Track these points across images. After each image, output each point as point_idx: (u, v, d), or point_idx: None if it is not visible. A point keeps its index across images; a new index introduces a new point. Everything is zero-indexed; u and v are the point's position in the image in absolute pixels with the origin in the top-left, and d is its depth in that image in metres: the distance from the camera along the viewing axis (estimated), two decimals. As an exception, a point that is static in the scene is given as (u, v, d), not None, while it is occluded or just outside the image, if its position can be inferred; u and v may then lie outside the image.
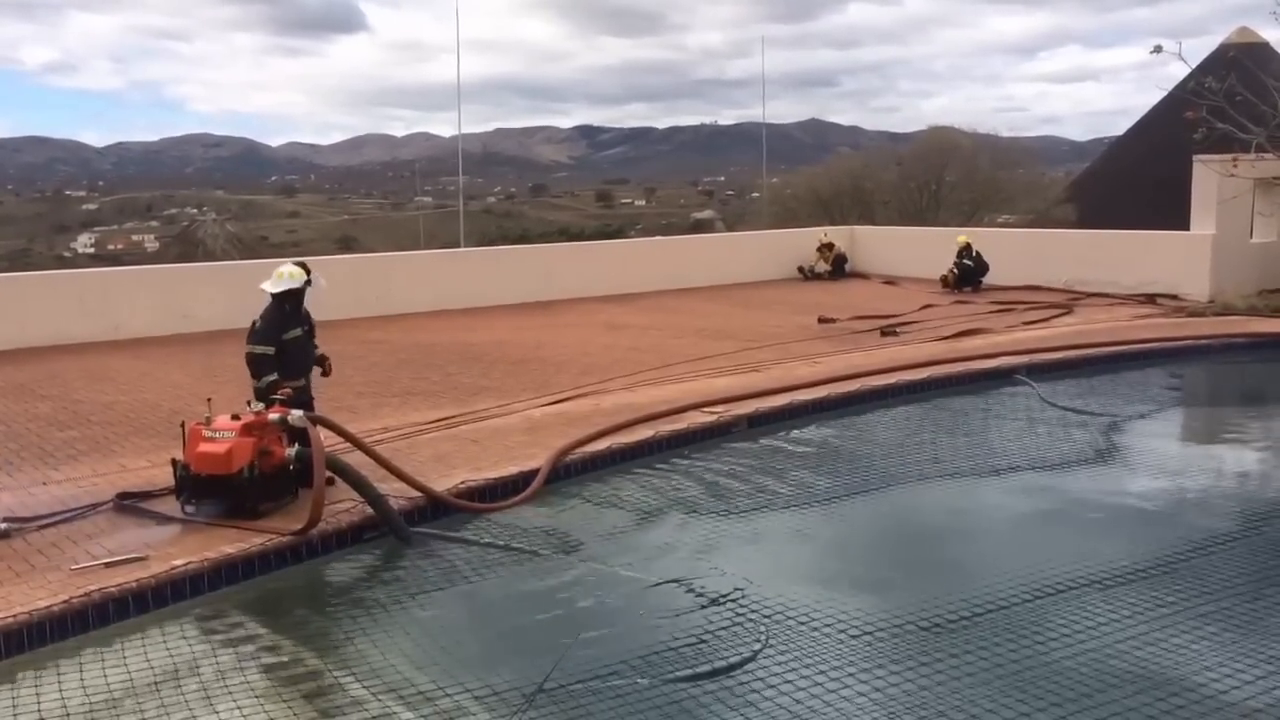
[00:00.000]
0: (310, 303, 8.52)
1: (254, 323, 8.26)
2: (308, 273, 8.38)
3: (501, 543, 7.46)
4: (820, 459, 9.80)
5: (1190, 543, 7.40)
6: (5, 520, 7.35)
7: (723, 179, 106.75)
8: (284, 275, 8.25)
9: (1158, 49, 17.09)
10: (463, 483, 8.23)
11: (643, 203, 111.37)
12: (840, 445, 10.30)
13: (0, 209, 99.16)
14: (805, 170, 33.76)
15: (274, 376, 8.06)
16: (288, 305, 8.26)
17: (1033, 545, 7.61)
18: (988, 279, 20.16)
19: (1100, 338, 14.44)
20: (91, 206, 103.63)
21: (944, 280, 20.36)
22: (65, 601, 6.04)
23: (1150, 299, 17.98)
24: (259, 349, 8.11)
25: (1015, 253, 20.85)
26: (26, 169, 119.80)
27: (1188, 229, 18.55)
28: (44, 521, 7.44)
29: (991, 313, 17.13)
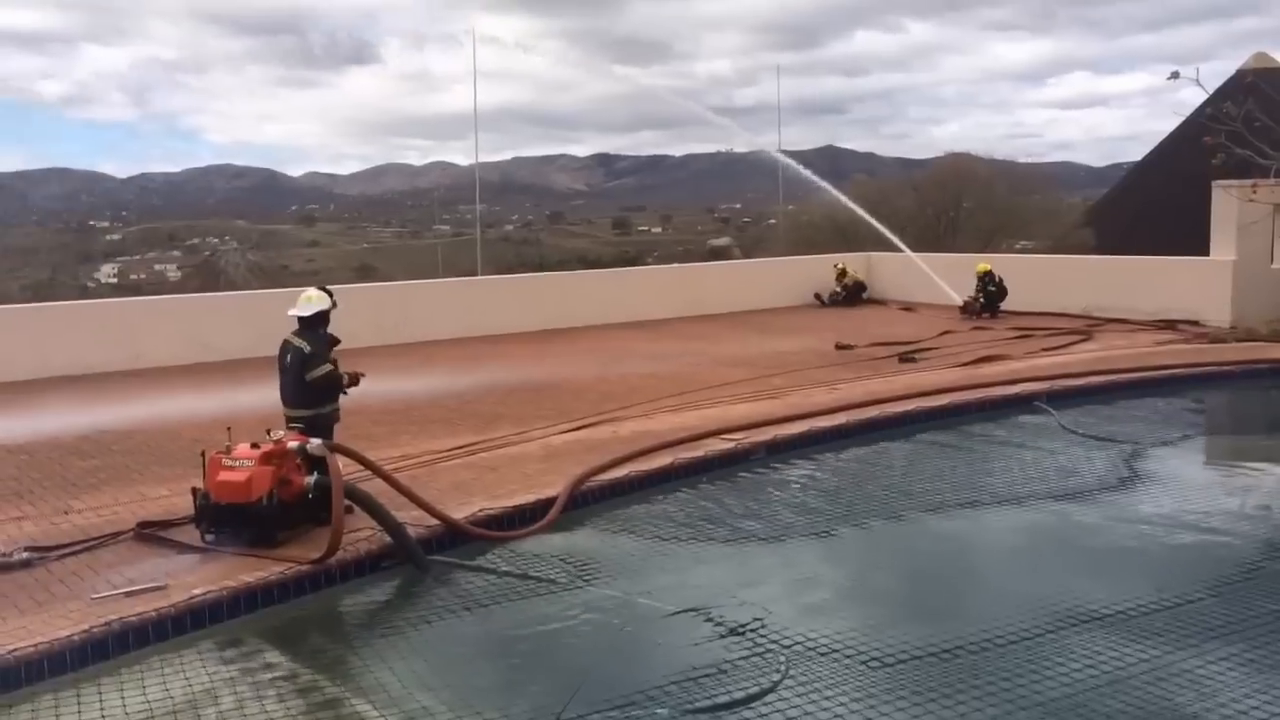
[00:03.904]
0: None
1: (297, 352, 8.16)
2: (330, 295, 8.45)
3: (519, 571, 7.44)
4: (839, 486, 9.75)
5: (1217, 573, 7.31)
6: (27, 549, 7.40)
7: (739, 206, 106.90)
8: (312, 299, 8.34)
9: (1175, 75, 17.05)
10: (481, 510, 8.23)
11: (659, 230, 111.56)
12: (859, 472, 10.24)
13: (24, 240, 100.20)
14: (822, 198, 33.80)
15: (347, 374, 8.22)
16: (322, 328, 8.33)
17: (1055, 575, 7.53)
18: (1006, 305, 20.10)
19: (1121, 364, 14.35)
20: (115, 237, 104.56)
21: (965, 306, 20.31)
22: (86, 631, 6.06)
23: (1171, 325, 17.86)
24: (321, 370, 8.11)
25: (1034, 279, 20.79)
26: (50, 200, 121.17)
27: (1208, 254, 18.45)
28: (65, 550, 7.48)
29: (1011, 339, 17.06)
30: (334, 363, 8.26)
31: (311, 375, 8.10)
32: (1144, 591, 6.86)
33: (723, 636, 6.33)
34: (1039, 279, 20.93)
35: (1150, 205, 32.68)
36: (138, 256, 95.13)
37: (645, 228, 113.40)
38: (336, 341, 8.49)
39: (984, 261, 21.00)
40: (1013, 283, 20.14)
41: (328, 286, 8.73)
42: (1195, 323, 17.78)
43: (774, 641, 6.20)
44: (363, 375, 8.38)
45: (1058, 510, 8.95)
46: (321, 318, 8.32)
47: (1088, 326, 18.07)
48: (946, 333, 17.85)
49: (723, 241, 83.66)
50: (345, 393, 8.34)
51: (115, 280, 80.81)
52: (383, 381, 12.43)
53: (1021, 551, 8.29)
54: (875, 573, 7.93)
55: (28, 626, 6.16)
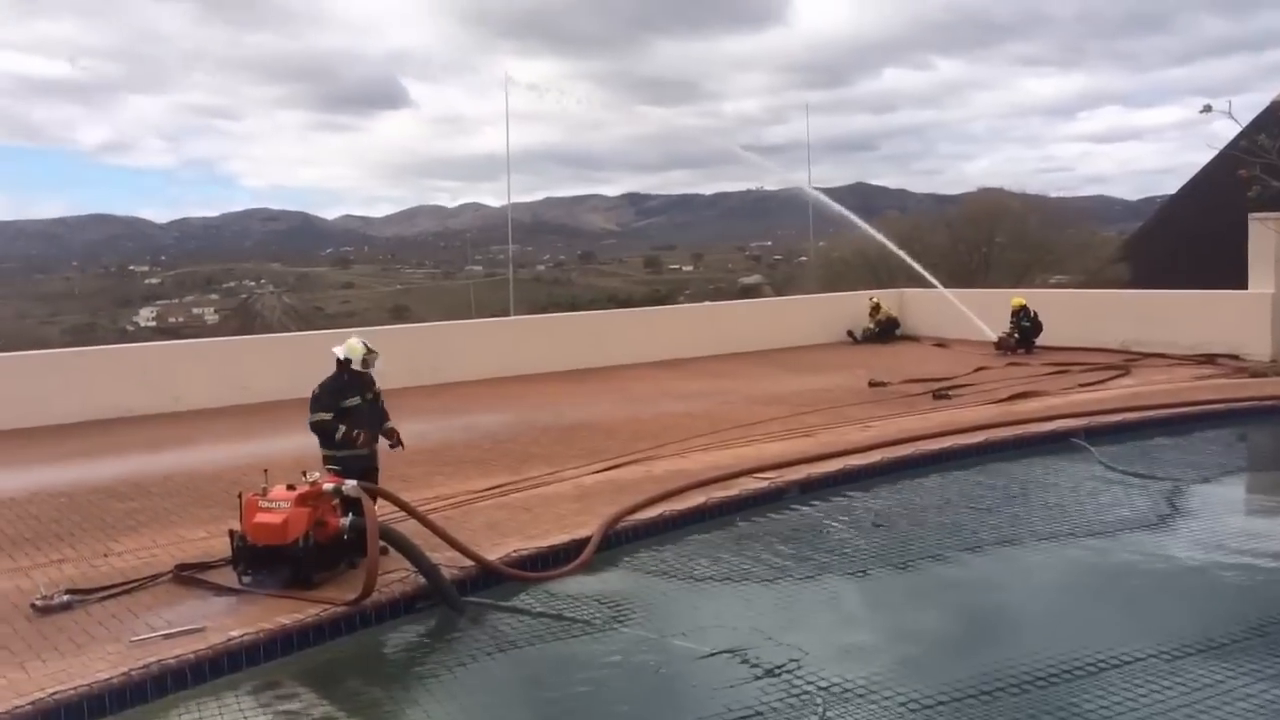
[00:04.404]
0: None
1: (314, 391, 8.45)
2: (364, 349, 8.48)
3: (554, 612, 7.43)
4: (874, 525, 9.66)
5: (1261, 612, 7.17)
6: (68, 592, 7.48)
7: (770, 243, 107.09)
8: (346, 345, 8.48)
9: (1207, 108, 16.96)
10: (514, 551, 8.23)
11: (690, 268, 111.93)
12: (895, 511, 10.15)
13: (66, 284, 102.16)
14: (853, 235, 33.85)
15: (342, 428, 8.27)
16: (345, 374, 8.43)
17: (1095, 614, 7.42)
18: (1041, 340, 19.94)
19: (1159, 399, 14.17)
20: (154, 281, 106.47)
21: (999, 342, 20.16)
22: (124, 674, 6.10)
23: (1210, 359, 17.64)
24: (314, 417, 8.35)
25: (1069, 314, 20.64)
26: (91, 245, 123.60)
27: (1245, 287, 18.24)
28: (105, 593, 7.55)
29: (1046, 375, 16.91)
30: (346, 411, 8.31)
31: (308, 419, 8.35)
32: (1186, 631, 6.74)
33: (758, 678, 6.27)
34: (1074, 314, 20.78)
35: (1186, 238, 32.37)
36: (176, 300, 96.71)
37: (676, 266, 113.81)
38: (371, 390, 8.52)
39: (1019, 296, 20.88)
40: (1048, 318, 20.00)
41: (363, 340, 8.67)
42: (1235, 357, 17.55)
43: (810, 683, 6.13)
44: (367, 434, 8.37)
45: (1097, 548, 8.82)
46: (341, 364, 8.44)
47: (1125, 361, 17.87)
48: (981, 369, 17.72)
49: (754, 279, 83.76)
50: (352, 442, 8.32)
51: (154, 323, 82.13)
52: (417, 422, 12.55)
53: (1061, 590, 8.17)
54: (912, 612, 7.83)
55: (68, 669, 6.22)
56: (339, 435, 8.29)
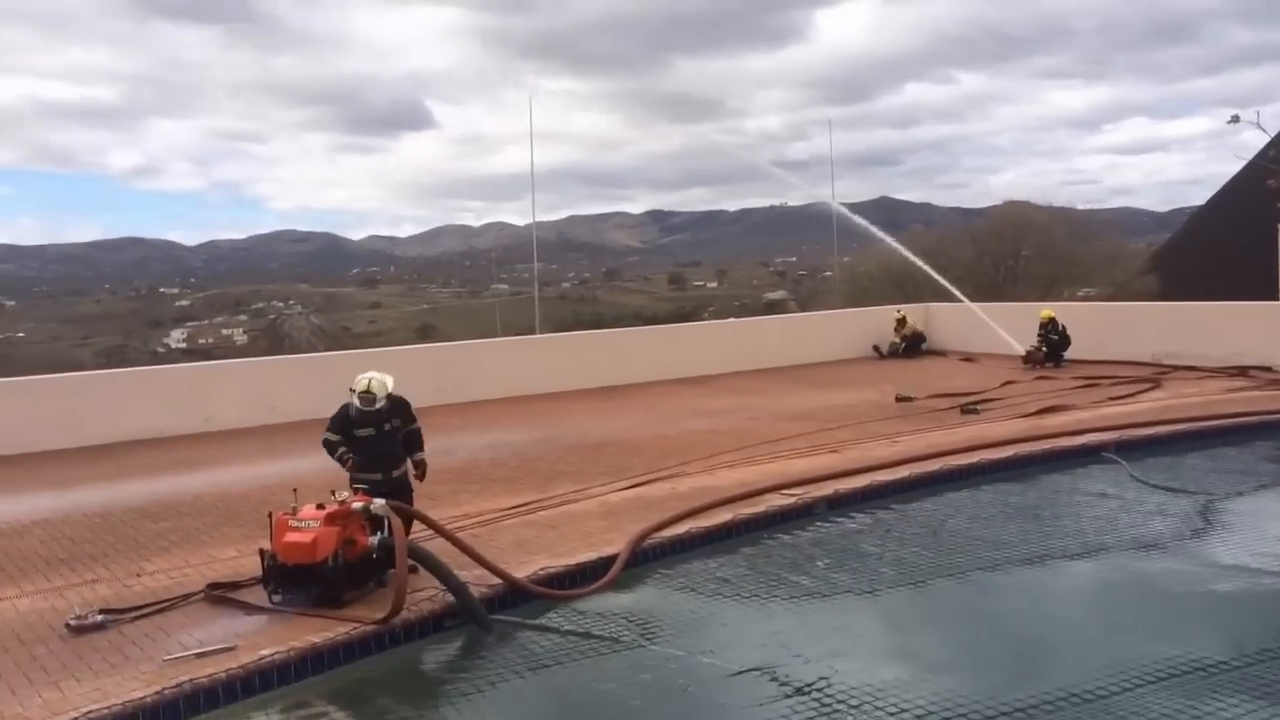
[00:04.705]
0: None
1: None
2: (365, 391, 8.33)
3: (581, 630, 7.42)
4: (902, 541, 9.60)
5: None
6: (102, 612, 7.56)
7: (794, 259, 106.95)
8: (357, 382, 8.40)
9: (1235, 119, 16.88)
10: (542, 569, 8.24)
11: (715, 285, 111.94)
12: (923, 527, 10.08)
13: (98, 307, 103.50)
14: (877, 249, 33.82)
15: (341, 450, 8.36)
16: (351, 410, 8.42)
17: (1129, 630, 7.34)
18: (1070, 353, 19.79)
19: (1191, 412, 14.02)
20: (184, 303, 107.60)
21: (1027, 356, 20.02)
22: (157, 692, 6.16)
23: (1242, 371, 17.44)
24: (323, 435, 8.50)
25: (1097, 326, 20.47)
26: (123, 268, 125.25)
27: (1277, 298, 18.06)
28: (138, 613, 7.63)
29: (1075, 388, 16.77)
30: (356, 439, 8.34)
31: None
32: (1221, 647, 6.65)
33: (788, 696, 6.24)
34: (1103, 326, 20.61)
35: (1215, 249, 32.11)
36: (206, 321, 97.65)
37: (701, 283, 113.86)
38: (386, 423, 8.45)
39: (1046, 309, 20.74)
40: (1076, 331, 19.84)
41: (371, 378, 8.46)
42: (1268, 368, 17.34)
43: (841, 701, 6.09)
44: (354, 463, 8.32)
45: (1129, 564, 8.73)
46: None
47: (1156, 374, 17.70)
48: (1009, 383, 17.60)
49: (778, 295, 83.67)
50: (342, 464, 8.38)
51: (184, 345, 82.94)
52: (444, 440, 12.62)
53: (1093, 607, 8.08)
54: (943, 629, 7.77)
55: (102, 688, 6.28)
56: (335, 455, 8.39)
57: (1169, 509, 10.12)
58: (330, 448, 8.46)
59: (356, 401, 8.36)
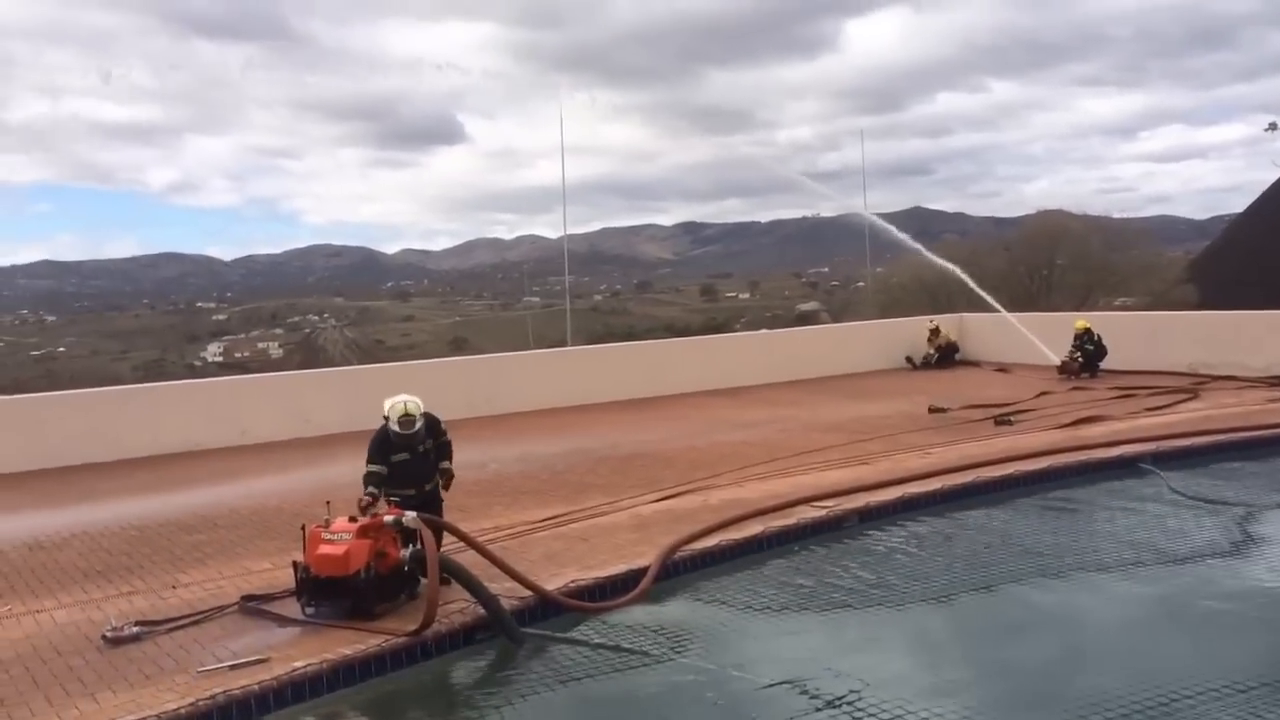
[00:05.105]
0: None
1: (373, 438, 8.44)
2: (405, 414, 8.28)
3: (612, 643, 7.42)
4: (935, 554, 9.52)
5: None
6: (137, 624, 7.65)
7: (826, 270, 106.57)
8: (389, 404, 8.35)
9: (1272, 126, 16.69)
10: (572, 582, 8.25)
11: (747, 296, 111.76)
12: (956, 539, 9.99)
13: (137, 321, 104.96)
14: (910, 260, 33.66)
15: (372, 489, 8.11)
16: (390, 435, 8.35)
17: (1167, 646, 7.24)
18: (1106, 364, 19.56)
19: (1230, 423, 13.81)
20: (221, 317, 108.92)
21: (1062, 366, 19.81)
22: (191, 704, 6.22)
23: (1282, 381, 17.17)
24: (366, 468, 8.28)
25: (1134, 336, 20.23)
26: (162, 283, 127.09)
27: (1318, 306, 17.78)
28: (173, 624, 7.71)
29: (1111, 399, 16.57)
30: (394, 465, 8.25)
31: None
32: (1263, 663, 6.53)
33: (819, 709, 6.20)
34: (1140, 336, 20.36)
35: (1255, 257, 31.67)
36: (242, 335, 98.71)
37: (733, 294, 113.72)
38: (421, 445, 8.43)
39: (1082, 319, 20.52)
40: (1112, 340, 19.60)
41: (407, 401, 8.40)
42: (1309, 378, 17.07)
43: (871, 715, 6.05)
44: (367, 502, 8.02)
45: (1167, 577, 8.59)
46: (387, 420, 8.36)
47: (1193, 385, 17.45)
48: (1044, 393, 17.42)
49: (810, 306, 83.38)
50: (361, 511, 8.04)
51: (221, 359, 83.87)
52: (475, 453, 12.68)
53: (1130, 622, 7.97)
54: (977, 643, 7.70)
55: (137, 699, 6.35)
56: (365, 490, 8.09)
57: (1207, 521, 9.97)
58: (370, 479, 8.17)
59: (395, 426, 8.28)
